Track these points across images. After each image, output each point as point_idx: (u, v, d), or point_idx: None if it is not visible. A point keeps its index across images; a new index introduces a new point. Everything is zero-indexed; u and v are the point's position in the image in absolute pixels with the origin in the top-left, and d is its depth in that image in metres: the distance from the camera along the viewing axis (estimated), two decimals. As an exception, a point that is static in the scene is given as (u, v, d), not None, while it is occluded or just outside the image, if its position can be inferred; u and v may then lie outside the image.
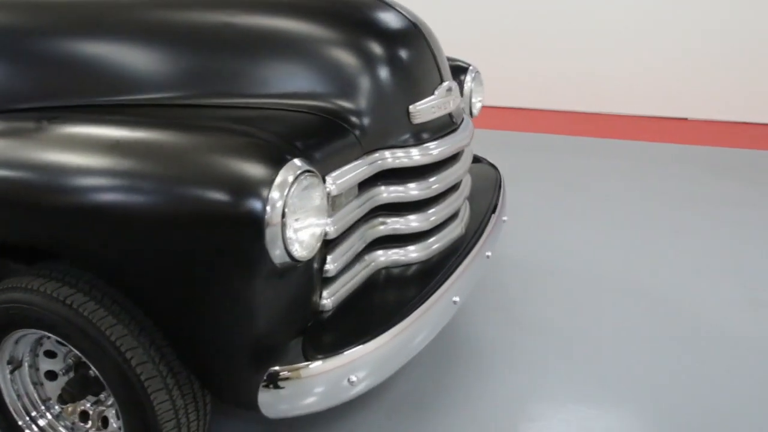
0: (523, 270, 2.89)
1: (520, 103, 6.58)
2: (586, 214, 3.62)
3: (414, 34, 1.83)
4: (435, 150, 1.77)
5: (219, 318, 1.36)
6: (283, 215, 1.27)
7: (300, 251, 1.33)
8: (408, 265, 1.80)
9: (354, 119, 1.64)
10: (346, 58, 1.68)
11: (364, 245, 1.69)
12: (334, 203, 1.52)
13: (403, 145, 1.72)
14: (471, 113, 2.57)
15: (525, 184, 4.10)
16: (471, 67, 2.57)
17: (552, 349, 2.34)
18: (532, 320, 2.52)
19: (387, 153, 1.68)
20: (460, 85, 2.50)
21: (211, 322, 1.36)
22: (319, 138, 1.53)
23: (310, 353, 1.41)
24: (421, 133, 1.77)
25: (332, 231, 1.51)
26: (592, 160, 4.73)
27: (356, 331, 1.52)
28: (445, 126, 1.87)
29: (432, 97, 1.81)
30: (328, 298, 1.56)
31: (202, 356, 1.42)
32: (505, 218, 2.30)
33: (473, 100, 2.56)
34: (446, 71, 1.96)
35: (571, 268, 2.93)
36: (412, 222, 1.78)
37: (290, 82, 1.65)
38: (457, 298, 1.75)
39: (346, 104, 1.65)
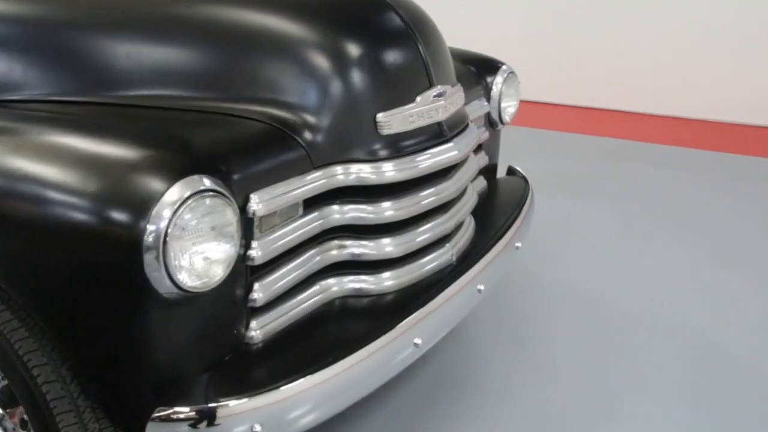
0: (549, 299, 2.55)
1: (583, 102, 5.90)
2: (641, 236, 3.17)
3: (398, 32, 1.59)
4: (400, 167, 1.52)
5: (108, 345, 1.22)
6: (165, 238, 1.10)
7: (190, 281, 1.15)
8: (370, 296, 1.58)
9: (305, 128, 1.44)
10: (302, 57, 1.48)
11: (313, 271, 1.49)
12: (261, 225, 1.33)
13: (367, 160, 1.50)
14: (501, 120, 2.27)
15: (571, 195, 3.69)
16: (503, 67, 2.27)
17: (578, 404, 2.02)
18: (552, 362, 2.20)
19: (339, 168, 1.47)
20: (487, 87, 2.22)
21: (100, 347, 1.23)
22: (252, 149, 1.34)
23: (211, 394, 1.24)
24: (393, 146, 1.53)
25: (258, 256, 1.33)
26: (660, 170, 4.19)
27: (280, 371, 1.34)
28: (431, 138, 1.62)
29: (411, 104, 1.56)
30: (257, 330, 1.38)
31: (96, 381, 1.29)
32: (518, 244, 2.00)
33: (503, 104, 2.27)
34: (443, 74, 1.70)
35: (610, 303, 2.55)
36: (378, 248, 1.56)
37: (235, 83, 1.47)
38: (419, 341, 1.50)
39: (297, 110, 1.45)
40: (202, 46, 1.50)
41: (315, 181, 1.43)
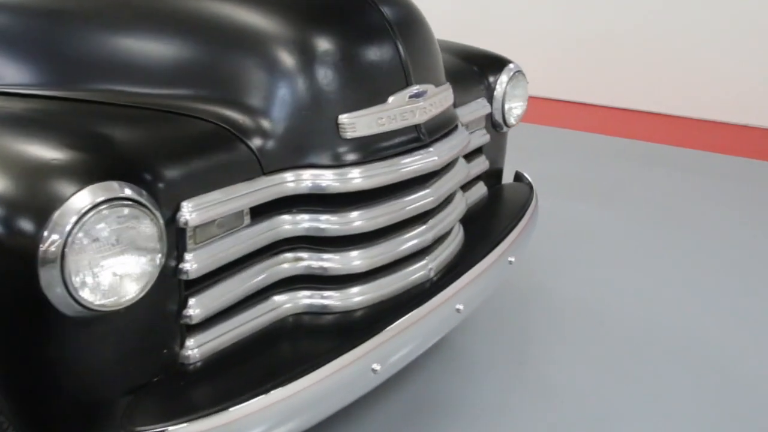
0: (555, 314, 2.35)
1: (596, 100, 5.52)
2: (663, 249, 2.92)
3: (372, 26, 1.44)
4: (366, 174, 1.38)
5: (20, 366, 1.12)
6: (65, 250, 0.99)
7: (96, 299, 1.04)
8: (331, 313, 1.44)
9: (256, 129, 1.30)
10: (257, 50, 1.34)
11: (262, 286, 1.36)
12: (196, 235, 1.21)
13: (327, 165, 1.36)
14: (505, 122, 2.09)
15: (591, 201, 3.45)
16: (510, 66, 2.09)
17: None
18: (552, 384, 2.02)
19: (292, 175, 1.33)
20: (490, 87, 2.04)
21: (13, 368, 1.13)
22: (190, 151, 1.22)
23: (127, 419, 1.13)
24: (359, 151, 1.38)
25: (193, 270, 1.20)
26: (691, 177, 3.89)
27: (214, 395, 1.22)
28: (407, 142, 1.47)
29: (382, 105, 1.41)
30: (194, 348, 1.26)
31: (16, 405, 1.19)
32: (511, 259, 1.82)
33: (508, 105, 2.09)
34: (425, 73, 1.53)
35: (621, 321, 2.33)
36: (341, 261, 1.42)
37: (183, 78, 1.35)
38: (377, 366, 1.36)
39: (248, 109, 1.31)
40: (149, 36, 1.39)
41: (263, 189, 1.29)
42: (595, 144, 4.60)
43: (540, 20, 5.69)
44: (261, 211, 1.32)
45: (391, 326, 1.41)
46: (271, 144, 1.31)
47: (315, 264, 1.41)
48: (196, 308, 1.24)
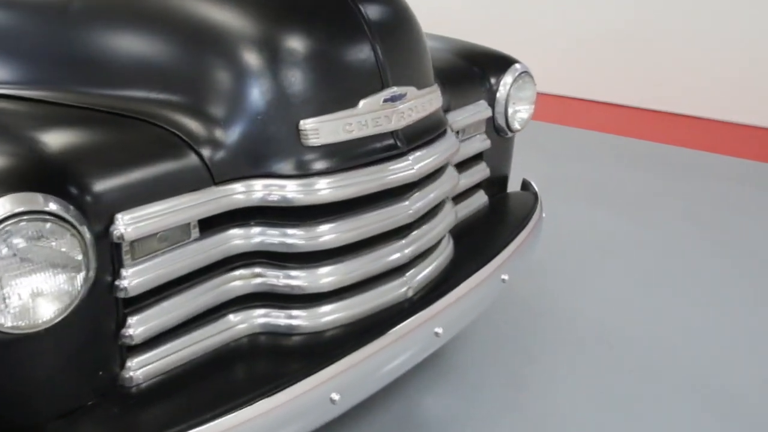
0: (561, 335, 2.19)
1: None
2: (691, 270, 2.71)
3: (343, 22, 1.31)
4: (330, 186, 1.26)
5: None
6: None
7: (6, 321, 0.96)
8: (293, 335, 1.33)
9: (208, 135, 1.20)
10: (210, 48, 1.23)
11: (214, 303, 1.26)
12: (134, 250, 1.12)
13: (286, 175, 1.25)
14: (509, 127, 1.95)
15: (616, 210, 3.24)
16: (515, 66, 1.94)
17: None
18: (551, 414, 1.87)
19: (243, 186, 1.22)
20: (491, 89, 1.89)
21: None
22: (129, 158, 1.12)
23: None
24: (323, 160, 1.27)
25: (131, 287, 1.11)
26: (732, 188, 3.63)
27: (156, 420, 1.13)
28: (381, 150, 1.34)
29: (350, 110, 1.29)
30: (136, 370, 1.17)
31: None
32: (505, 277, 1.68)
33: (512, 109, 1.94)
34: (407, 75, 1.41)
35: (635, 349, 2.15)
36: (307, 279, 1.31)
37: (132, 78, 1.26)
38: (336, 396, 1.24)
39: (200, 113, 1.21)
40: (100, 33, 1.30)
41: (212, 200, 1.19)
42: (613, 145, 4.38)
43: (559, 15, 5.45)
44: (215, 224, 1.22)
45: (357, 351, 1.29)
46: (224, 151, 1.20)
47: (276, 281, 1.30)
48: (136, 328, 1.15)
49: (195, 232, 1.20)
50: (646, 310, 2.35)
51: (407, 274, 1.47)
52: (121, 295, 1.11)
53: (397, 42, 1.41)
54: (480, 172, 1.91)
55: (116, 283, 1.11)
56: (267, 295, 1.31)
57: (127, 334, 1.14)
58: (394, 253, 1.41)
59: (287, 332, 1.32)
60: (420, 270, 1.50)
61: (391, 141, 1.36)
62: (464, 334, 2.13)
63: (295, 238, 1.27)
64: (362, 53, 1.32)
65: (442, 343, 1.48)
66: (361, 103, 1.30)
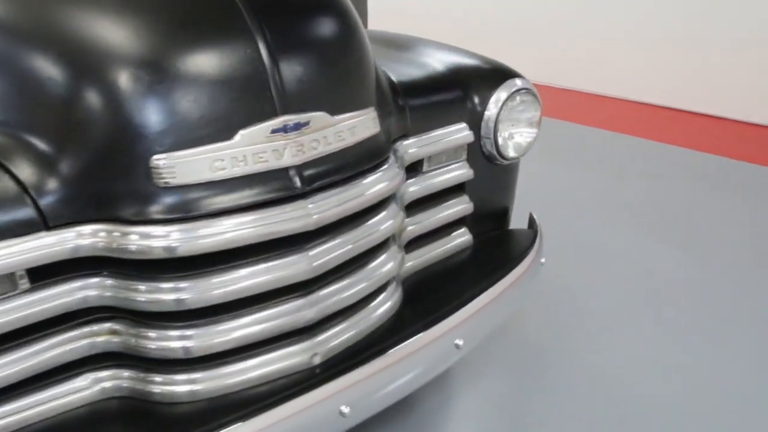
0: (560, 385, 1.82)
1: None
2: (739, 318, 2.19)
3: (224, 31, 1.07)
4: (187, 237, 1.03)
5: None
6: None
7: None
8: (150, 402, 1.12)
9: (39, 170, 1.01)
10: (47, 66, 1.03)
11: (56, 363, 1.07)
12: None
13: (133, 221, 1.03)
14: (499, 154, 1.62)
15: (659, 234, 2.71)
16: (512, 81, 1.60)
17: None
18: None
19: (81, 231, 1.01)
20: (474, 108, 1.57)
21: None
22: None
23: None
24: (180, 204, 1.03)
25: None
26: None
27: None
28: (265, 192, 1.09)
29: (222, 143, 1.05)
30: (-42, 436, 1.03)
31: None
32: (459, 342, 1.37)
33: (506, 132, 1.61)
34: (317, 97, 1.14)
35: (649, 412, 1.74)
36: (159, 341, 1.09)
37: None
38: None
39: (31, 143, 1.02)
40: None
41: (43, 247, 1.00)
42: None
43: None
44: (52, 274, 1.04)
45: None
46: (60, 190, 1.01)
47: (133, 342, 1.10)
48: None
49: (24, 284, 1.02)
50: (665, 367, 1.91)
51: (317, 338, 1.21)
52: None
53: (306, 54, 1.14)
54: (459, 206, 1.59)
55: None
56: (124, 356, 1.12)
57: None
58: (290, 315, 1.16)
59: (143, 399, 1.12)
60: (336, 332, 1.24)
61: (283, 181, 1.10)
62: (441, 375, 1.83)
63: (144, 294, 1.06)
64: (246, 69, 1.06)
65: (350, 425, 1.21)
66: (239, 134, 1.06)
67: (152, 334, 1.09)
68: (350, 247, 1.21)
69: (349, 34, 1.25)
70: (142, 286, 1.06)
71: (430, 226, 1.53)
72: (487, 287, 1.47)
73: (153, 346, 1.09)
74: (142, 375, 1.12)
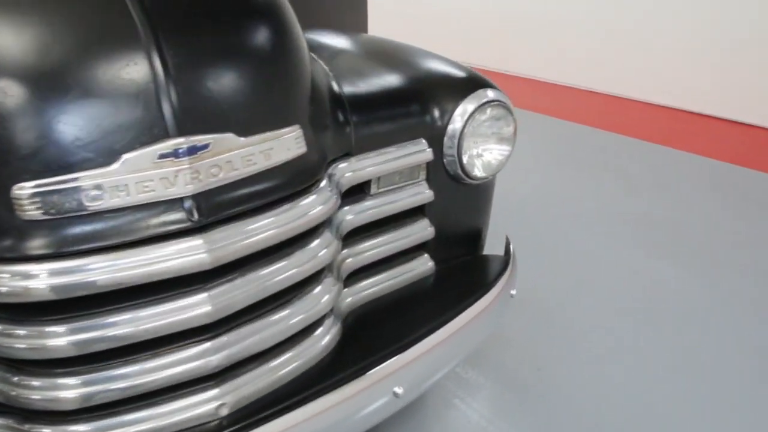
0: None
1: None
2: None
3: (104, 30, 0.93)
4: (59, 280, 0.89)
5: None
6: None
7: None
8: (33, 457, 1.01)
9: None
10: None
11: None
12: None
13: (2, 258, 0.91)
14: (464, 173, 1.45)
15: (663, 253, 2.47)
16: (481, 92, 1.43)
17: None
18: None
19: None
20: (434, 122, 1.40)
21: None
22: None
23: None
24: (50, 240, 0.90)
25: None
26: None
27: None
28: (150, 226, 0.95)
29: (99, 170, 0.91)
30: None
31: None
32: (398, 390, 1.21)
33: (473, 150, 1.44)
34: (221, 117, 0.99)
35: None
36: (37, 390, 0.97)
37: None
38: None
39: None
40: None
41: None
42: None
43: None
44: None
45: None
46: None
47: (7, 391, 0.98)
48: None
49: None
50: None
51: (224, 385, 1.08)
52: None
53: (211, 67, 0.99)
54: (418, 231, 1.43)
55: None
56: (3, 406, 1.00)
57: None
58: (189, 362, 1.02)
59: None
60: (250, 379, 1.10)
61: (174, 213, 0.96)
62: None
63: (15, 339, 0.94)
64: (133, 85, 0.92)
65: (258, 489, 1.07)
66: (122, 159, 0.92)
67: (35, 383, 0.97)
68: (265, 285, 1.07)
69: (270, 41, 1.09)
70: (20, 331, 0.94)
71: (383, 253, 1.37)
72: (439, 326, 1.31)
73: (36, 397, 0.97)
74: (26, 427, 1.00)
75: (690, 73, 4.57)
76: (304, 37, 1.30)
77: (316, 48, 1.47)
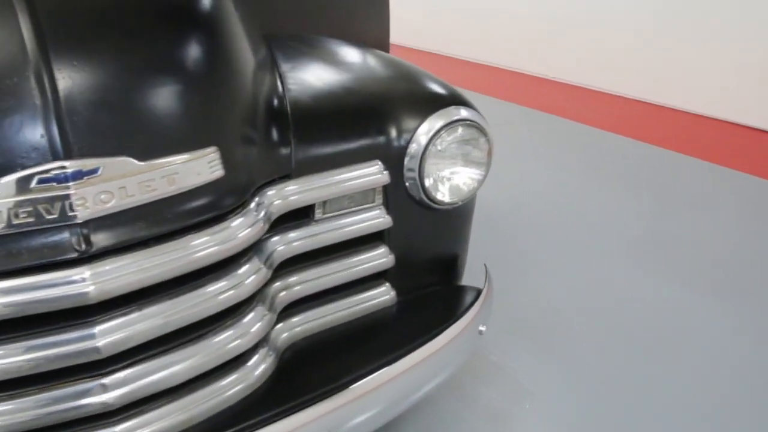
0: None
1: None
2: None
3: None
4: None
5: None
6: None
7: None
8: None
9: None
10: None
11: None
12: None
13: None
14: (428, 197, 1.32)
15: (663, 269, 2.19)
16: (450, 110, 1.30)
17: None
18: None
19: None
20: (393, 143, 1.28)
21: None
22: None
23: None
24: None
25: None
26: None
27: None
28: (25, 258, 0.88)
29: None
30: None
31: None
32: (330, 438, 1.10)
33: (436, 173, 1.31)
34: (118, 137, 0.91)
35: None
36: None
37: None
38: None
39: None
40: None
41: None
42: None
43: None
44: None
45: None
46: None
47: None
48: None
49: None
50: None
51: (116, 428, 1.00)
52: None
53: (110, 82, 0.92)
54: (375, 259, 1.31)
55: None
56: None
57: None
58: (75, 399, 0.96)
59: None
60: (151, 419, 1.02)
61: (55, 244, 0.89)
62: None
63: None
64: (13, 102, 0.86)
65: None
66: (-3, 184, 0.86)
67: None
68: (164, 321, 0.98)
69: (184, 57, 1.01)
70: None
71: (332, 282, 1.27)
72: (386, 364, 1.19)
73: None
74: None
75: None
76: (266, 47, 1.22)
77: (282, 59, 1.38)
